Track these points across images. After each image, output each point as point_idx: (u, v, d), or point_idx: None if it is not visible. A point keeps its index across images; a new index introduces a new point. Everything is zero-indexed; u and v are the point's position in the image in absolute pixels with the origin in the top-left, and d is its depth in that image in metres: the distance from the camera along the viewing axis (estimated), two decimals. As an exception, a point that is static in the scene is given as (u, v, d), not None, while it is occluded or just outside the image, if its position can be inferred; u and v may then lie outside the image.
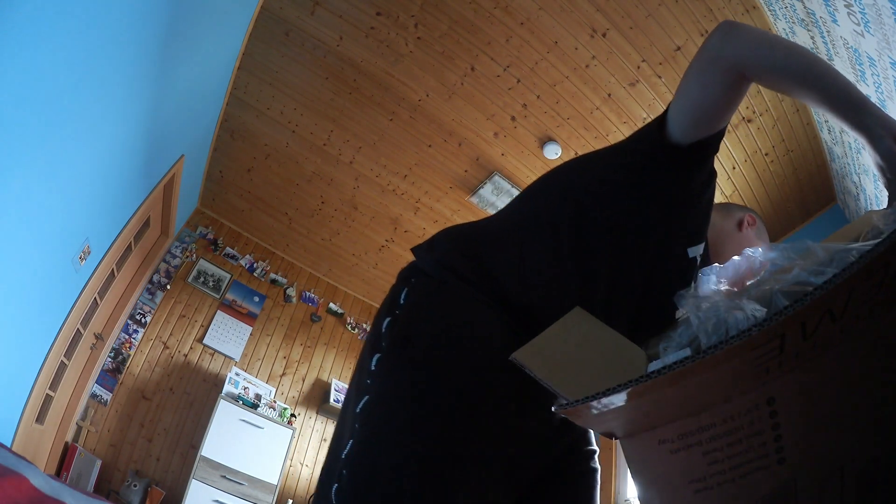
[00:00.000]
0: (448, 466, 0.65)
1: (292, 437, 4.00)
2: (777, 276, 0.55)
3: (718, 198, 3.13)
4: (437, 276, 0.79)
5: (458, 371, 0.70)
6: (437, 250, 0.83)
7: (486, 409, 0.69)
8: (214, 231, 4.78)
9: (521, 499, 0.76)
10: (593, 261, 0.78)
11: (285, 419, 4.17)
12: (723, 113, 0.78)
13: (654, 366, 0.53)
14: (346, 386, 3.36)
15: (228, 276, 4.66)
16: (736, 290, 0.62)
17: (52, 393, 2.91)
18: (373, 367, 0.74)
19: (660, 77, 2.82)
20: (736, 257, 0.68)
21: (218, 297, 4.52)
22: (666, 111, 0.82)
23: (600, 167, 0.88)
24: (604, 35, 2.70)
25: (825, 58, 2.06)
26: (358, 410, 0.72)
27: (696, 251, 0.86)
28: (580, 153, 3.30)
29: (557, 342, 0.66)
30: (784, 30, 2.32)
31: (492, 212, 2.99)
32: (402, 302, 0.78)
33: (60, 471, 3.15)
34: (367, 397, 0.72)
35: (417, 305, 0.77)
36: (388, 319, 0.78)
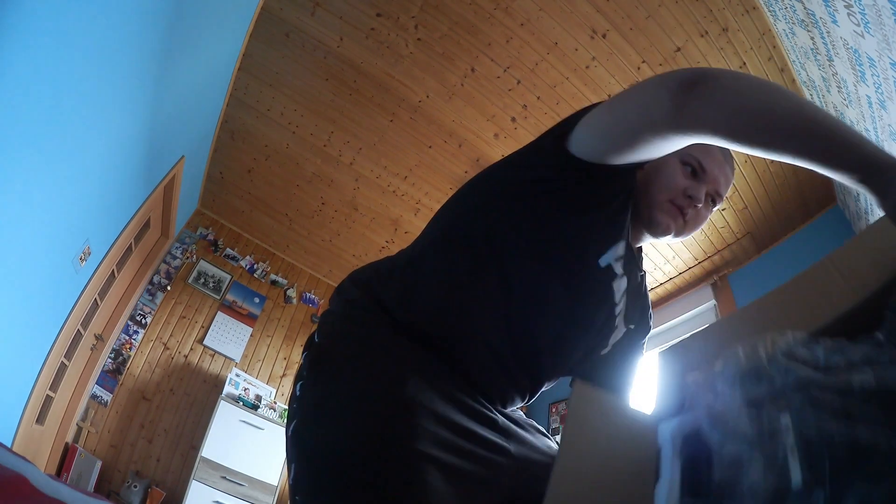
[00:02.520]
0: (380, 469, 0.64)
1: (292, 438, 3.99)
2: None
3: (719, 198, 3.14)
4: (340, 309, 0.88)
5: (367, 377, 0.73)
6: (342, 291, 0.92)
7: (400, 410, 0.69)
8: (215, 232, 4.78)
9: None
10: (509, 279, 0.80)
11: (285, 420, 4.16)
12: (652, 157, 0.78)
13: None
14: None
15: (229, 277, 4.66)
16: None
17: (52, 393, 2.91)
18: (297, 393, 0.79)
19: (660, 78, 2.81)
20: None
21: (218, 298, 4.52)
22: (568, 123, 0.82)
23: (505, 185, 0.87)
24: (604, 36, 2.70)
25: (825, 58, 2.06)
26: (290, 434, 0.75)
27: (608, 259, 0.84)
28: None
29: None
30: (784, 30, 2.32)
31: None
32: (314, 337, 0.86)
33: (60, 471, 3.15)
34: (294, 421, 0.76)
35: (326, 333, 0.84)
36: (304, 353, 0.86)
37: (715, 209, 0.95)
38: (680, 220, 0.90)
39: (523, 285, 0.80)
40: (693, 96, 0.66)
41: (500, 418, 0.81)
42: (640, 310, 1.03)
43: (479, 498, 0.71)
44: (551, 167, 0.82)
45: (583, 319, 0.87)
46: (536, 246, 0.81)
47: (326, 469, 0.67)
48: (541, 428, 0.95)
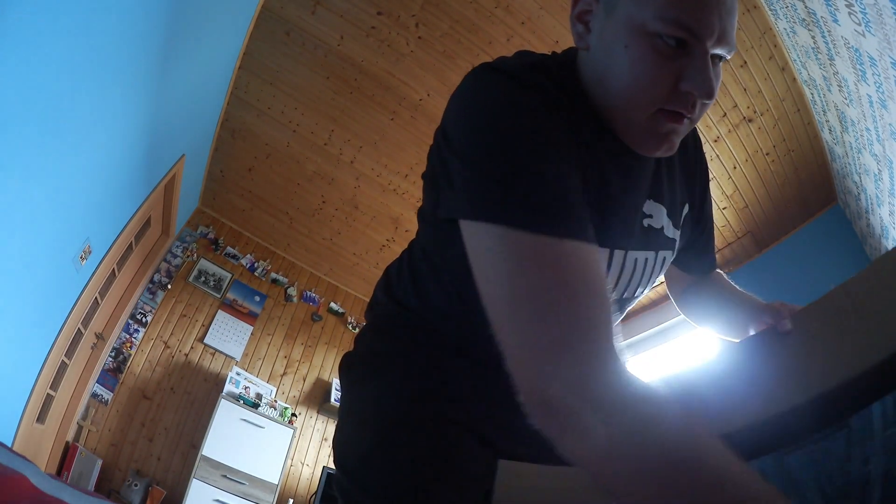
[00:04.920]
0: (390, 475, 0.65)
1: (293, 436, 4.00)
2: None
3: (719, 198, 3.14)
4: (369, 316, 0.88)
5: (381, 385, 0.74)
6: (372, 298, 0.90)
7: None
8: (215, 231, 4.78)
9: None
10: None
11: (286, 419, 4.17)
12: None
13: None
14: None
15: (229, 275, 4.66)
16: None
17: (52, 392, 2.91)
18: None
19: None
20: None
21: (219, 296, 4.53)
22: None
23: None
24: (605, 35, 2.70)
25: (826, 57, 2.06)
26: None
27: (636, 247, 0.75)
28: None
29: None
30: (785, 29, 2.32)
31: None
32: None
33: (61, 470, 3.15)
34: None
35: (357, 340, 0.86)
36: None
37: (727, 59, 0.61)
38: (681, 128, 0.61)
39: None
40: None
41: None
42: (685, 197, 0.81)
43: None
44: None
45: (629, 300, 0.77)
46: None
47: (347, 473, 0.69)
48: None
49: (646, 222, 0.72)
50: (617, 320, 0.79)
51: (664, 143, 0.62)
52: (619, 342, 0.49)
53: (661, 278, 0.87)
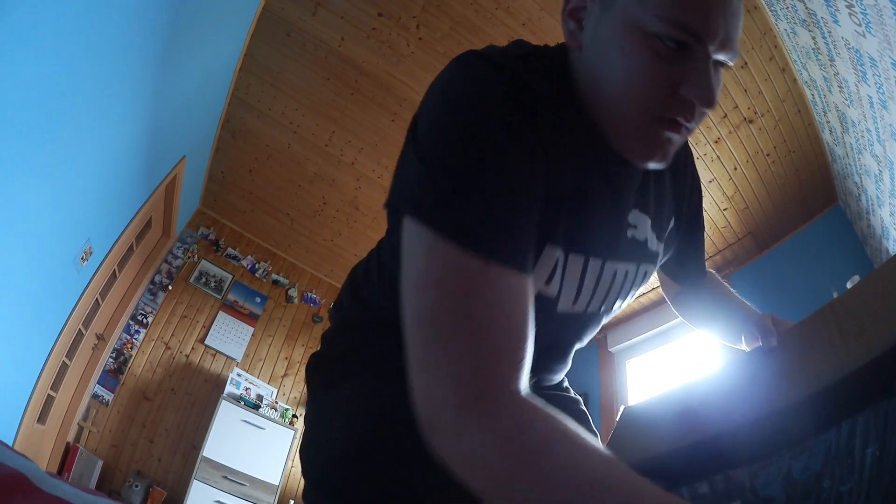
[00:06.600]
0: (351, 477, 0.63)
1: (294, 437, 4.00)
2: None
3: (720, 199, 3.14)
4: (333, 319, 0.86)
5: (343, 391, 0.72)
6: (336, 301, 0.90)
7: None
8: (216, 232, 4.78)
9: None
10: None
11: (287, 420, 4.17)
12: None
13: None
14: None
15: (230, 276, 4.66)
16: None
17: (53, 393, 2.92)
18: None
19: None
20: None
21: (219, 297, 4.53)
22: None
23: None
24: (605, 36, 2.70)
25: (826, 58, 2.06)
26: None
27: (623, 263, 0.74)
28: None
29: None
30: (785, 30, 2.32)
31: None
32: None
33: (62, 471, 3.15)
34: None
35: (323, 343, 0.84)
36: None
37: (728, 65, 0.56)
38: (678, 137, 0.57)
39: None
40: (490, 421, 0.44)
41: None
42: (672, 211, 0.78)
43: None
44: None
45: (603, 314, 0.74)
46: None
47: (316, 482, 0.67)
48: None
49: (630, 233, 0.68)
50: (583, 340, 0.77)
51: (658, 153, 0.58)
52: (523, 383, 0.46)
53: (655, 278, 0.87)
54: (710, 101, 0.53)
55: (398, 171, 0.58)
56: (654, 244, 0.73)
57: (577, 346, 0.78)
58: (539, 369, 0.78)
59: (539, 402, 0.45)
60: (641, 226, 0.70)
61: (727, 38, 0.52)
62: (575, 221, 0.59)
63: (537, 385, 0.82)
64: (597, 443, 0.43)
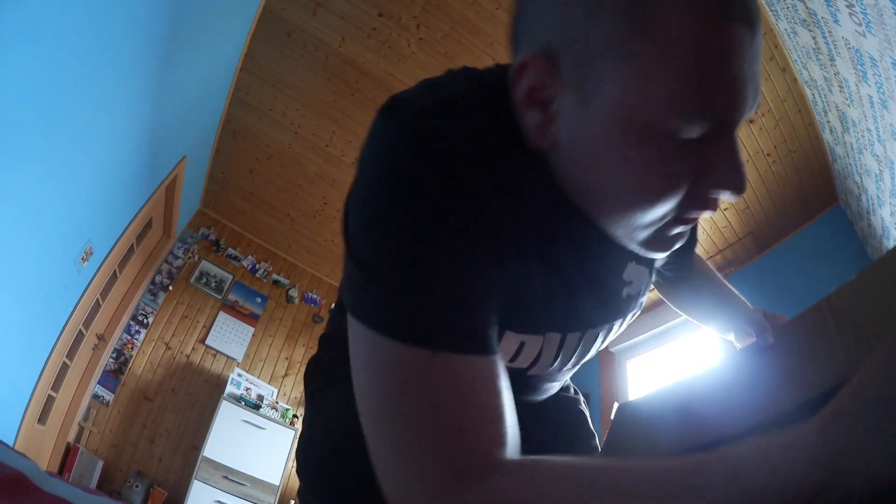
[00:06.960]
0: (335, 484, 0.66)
1: (294, 437, 4.00)
2: None
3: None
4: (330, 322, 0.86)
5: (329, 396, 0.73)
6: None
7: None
8: (216, 232, 4.79)
9: None
10: None
11: (287, 420, 4.17)
12: None
13: None
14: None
15: (230, 276, 4.66)
16: None
17: (53, 393, 2.92)
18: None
19: (661, 78, 2.81)
20: None
21: (220, 297, 4.53)
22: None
23: None
24: (605, 36, 2.70)
25: (827, 58, 2.06)
26: None
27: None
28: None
29: None
30: (785, 30, 2.32)
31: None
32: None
33: (62, 471, 3.15)
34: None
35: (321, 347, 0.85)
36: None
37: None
38: (688, 232, 0.50)
39: None
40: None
41: None
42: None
43: None
44: None
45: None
46: None
47: (306, 479, 0.70)
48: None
49: (625, 292, 0.63)
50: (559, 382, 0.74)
51: (669, 248, 0.50)
52: (505, 453, 0.41)
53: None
54: (741, 187, 0.43)
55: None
56: (648, 285, 0.70)
57: (556, 385, 0.76)
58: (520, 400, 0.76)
59: (527, 460, 0.41)
60: (638, 279, 0.65)
61: (755, 94, 0.42)
62: (547, 306, 0.54)
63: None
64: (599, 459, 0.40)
